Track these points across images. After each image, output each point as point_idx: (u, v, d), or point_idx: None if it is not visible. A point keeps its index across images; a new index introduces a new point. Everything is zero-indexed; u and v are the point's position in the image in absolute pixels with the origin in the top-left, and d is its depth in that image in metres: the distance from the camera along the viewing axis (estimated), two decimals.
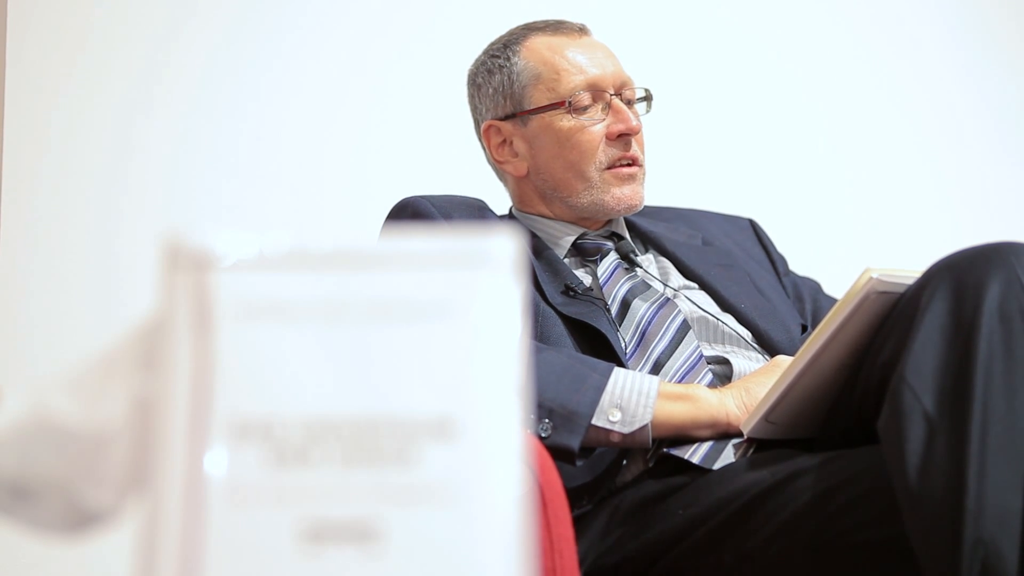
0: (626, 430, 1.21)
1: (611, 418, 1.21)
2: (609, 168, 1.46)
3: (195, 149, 2.03)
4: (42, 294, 1.95)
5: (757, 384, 1.26)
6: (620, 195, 1.47)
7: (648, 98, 1.54)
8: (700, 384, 1.30)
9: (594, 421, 1.20)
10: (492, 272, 0.50)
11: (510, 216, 1.57)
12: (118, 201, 1.99)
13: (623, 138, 1.47)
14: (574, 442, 1.18)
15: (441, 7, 2.16)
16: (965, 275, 0.96)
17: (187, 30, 2.06)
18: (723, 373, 1.35)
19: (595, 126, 1.46)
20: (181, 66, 2.04)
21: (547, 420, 1.18)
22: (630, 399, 1.22)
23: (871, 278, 1.03)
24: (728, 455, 1.22)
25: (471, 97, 1.58)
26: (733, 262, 1.55)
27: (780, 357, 1.33)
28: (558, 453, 1.16)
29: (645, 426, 1.21)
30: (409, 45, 2.13)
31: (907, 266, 1.08)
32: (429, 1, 2.17)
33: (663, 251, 1.54)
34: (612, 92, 1.48)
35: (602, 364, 1.25)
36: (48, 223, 1.97)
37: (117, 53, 2.03)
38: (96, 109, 2.00)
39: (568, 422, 1.19)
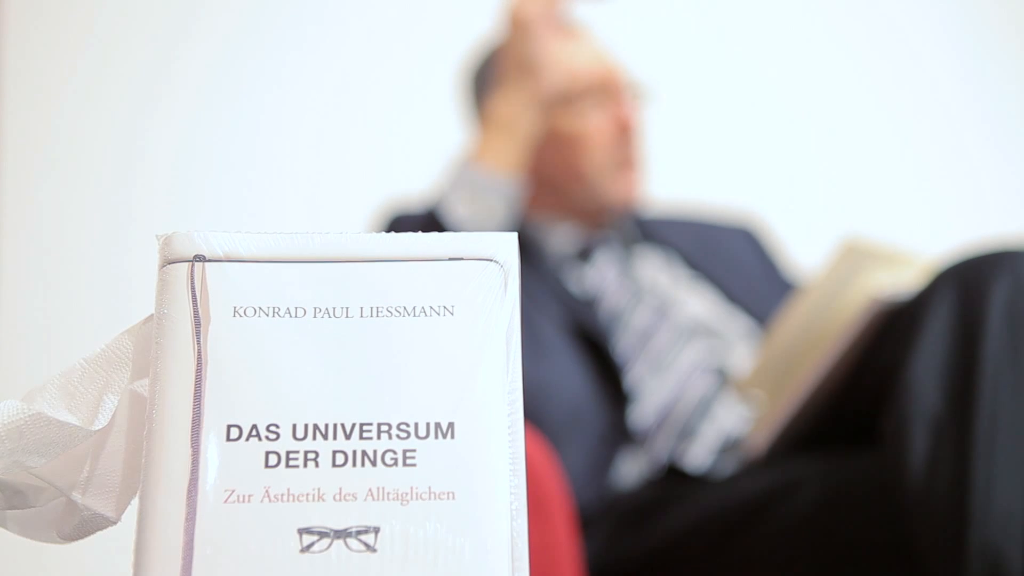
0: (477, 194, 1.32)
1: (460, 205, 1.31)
2: (605, 168, 1.46)
3: (195, 150, 2.03)
4: (41, 295, 1.94)
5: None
6: (617, 193, 1.46)
7: (646, 94, 1.53)
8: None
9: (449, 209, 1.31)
10: (490, 272, 0.50)
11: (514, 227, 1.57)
12: (117, 202, 1.99)
13: (620, 136, 1.46)
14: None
15: (441, 7, 2.16)
16: (972, 279, 0.95)
17: (186, 31, 2.05)
18: (725, 372, 1.35)
19: (591, 125, 1.45)
20: (180, 68, 2.04)
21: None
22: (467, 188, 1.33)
23: (874, 300, 1.03)
24: (731, 463, 1.22)
25: (475, 97, 1.58)
26: (737, 258, 1.55)
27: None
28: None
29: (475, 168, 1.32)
30: (412, 45, 2.13)
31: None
32: (430, 1, 2.17)
33: (667, 244, 1.53)
34: (609, 90, 1.47)
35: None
36: (47, 224, 1.96)
37: (116, 55, 2.02)
38: (96, 111, 2.00)
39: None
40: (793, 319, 1.19)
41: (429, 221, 1.30)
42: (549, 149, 1.47)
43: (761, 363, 1.21)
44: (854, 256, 1.17)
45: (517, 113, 1.33)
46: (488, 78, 1.50)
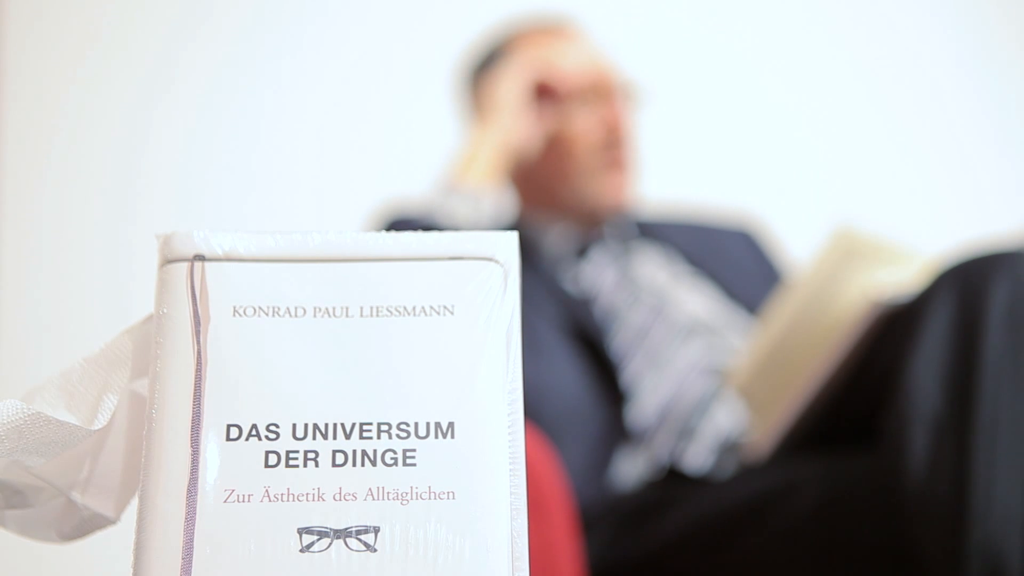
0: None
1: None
2: (591, 169, 1.45)
3: (195, 150, 2.03)
4: (41, 295, 1.94)
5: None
6: (605, 195, 1.46)
7: (636, 93, 1.52)
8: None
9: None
10: (490, 272, 0.50)
11: (511, 226, 1.57)
12: (117, 202, 1.99)
13: (608, 137, 1.46)
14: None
15: (441, 7, 2.16)
16: (972, 279, 0.95)
17: (186, 31, 2.05)
18: (724, 371, 1.35)
19: (577, 126, 1.45)
20: (180, 68, 2.04)
21: None
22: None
23: (875, 304, 1.03)
24: (731, 464, 1.22)
25: (474, 96, 1.58)
26: (737, 258, 1.54)
27: None
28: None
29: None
30: (411, 46, 2.13)
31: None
32: (430, 2, 2.17)
33: (667, 242, 1.53)
34: (600, 91, 1.47)
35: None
36: (47, 224, 1.96)
37: (116, 55, 2.02)
38: (96, 111, 2.00)
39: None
40: (786, 313, 1.18)
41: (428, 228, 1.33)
42: (539, 149, 1.47)
43: (755, 359, 1.20)
44: (844, 248, 1.16)
45: (477, 147, 1.40)
46: (478, 88, 1.52)
